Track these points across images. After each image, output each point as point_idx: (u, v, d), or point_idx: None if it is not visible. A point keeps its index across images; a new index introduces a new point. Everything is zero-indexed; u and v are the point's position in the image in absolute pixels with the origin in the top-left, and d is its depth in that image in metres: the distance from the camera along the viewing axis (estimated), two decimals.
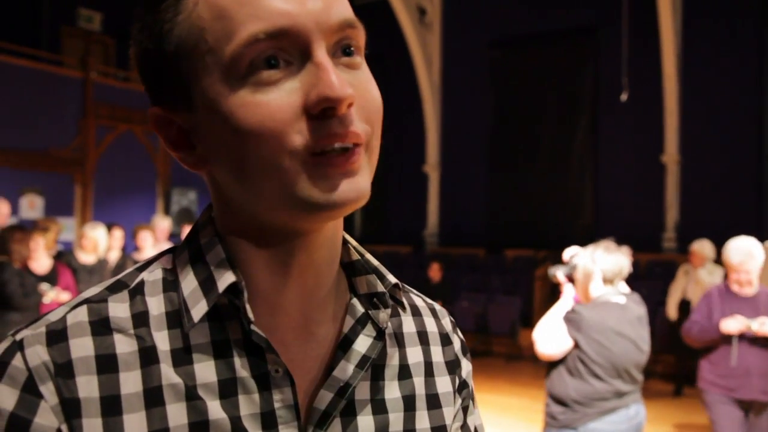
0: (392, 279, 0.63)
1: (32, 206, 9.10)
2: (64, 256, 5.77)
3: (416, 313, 0.71)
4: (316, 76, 0.51)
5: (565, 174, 10.80)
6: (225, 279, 0.55)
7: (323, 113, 0.51)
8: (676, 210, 9.74)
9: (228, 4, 0.51)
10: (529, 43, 11.19)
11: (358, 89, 0.54)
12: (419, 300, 0.73)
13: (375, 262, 0.64)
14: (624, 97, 9.12)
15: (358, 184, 0.53)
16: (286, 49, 0.52)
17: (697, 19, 9.44)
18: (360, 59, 0.56)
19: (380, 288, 0.62)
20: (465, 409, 0.72)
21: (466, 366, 0.74)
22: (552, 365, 2.81)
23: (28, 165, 8.98)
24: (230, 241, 0.59)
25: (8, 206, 5.90)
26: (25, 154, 8.96)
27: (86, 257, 5.76)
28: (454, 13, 11.71)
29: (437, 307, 0.75)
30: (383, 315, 0.62)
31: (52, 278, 4.86)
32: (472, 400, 0.75)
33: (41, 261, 4.88)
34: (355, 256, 0.65)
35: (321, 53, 0.52)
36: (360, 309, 0.62)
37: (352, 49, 0.55)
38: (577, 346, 2.69)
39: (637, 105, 9.65)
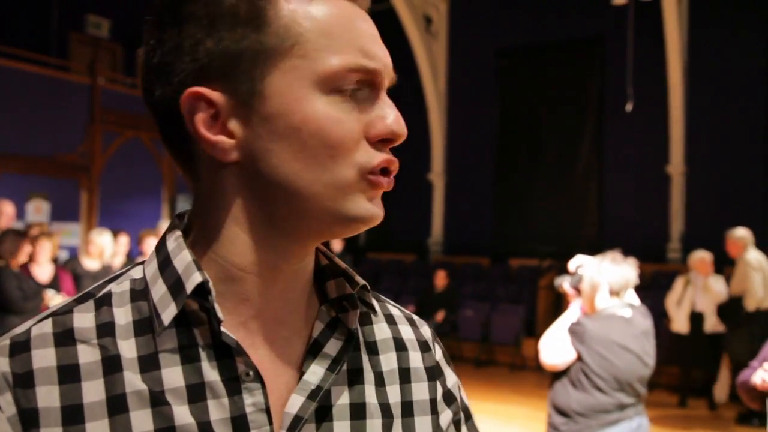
0: (360, 281, 0.65)
1: (38, 211, 9.14)
2: (68, 262, 5.79)
3: (391, 321, 0.71)
4: (383, 111, 0.60)
5: (571, 183, 10.78)
6: (193, 280, 0.56)
7: (380, 142, 0.59)
8: (681, 220, 9.71)
9: (335, 27, 0.58)
10: (535, 52, 11.20)
11: None
12: (395, 310, 0.74)
13: (343, 265, 0.66)
14: (629, 107, 9.12)
15: (382, 208, 0.61)
16: (365, 83, 0.59)
17: (703, 30, 9.44)
18: None
19: (349, 290, 0.64)
20: (457, 423, 0.72)
21: (451, 376, 0.74)
22: (556, 376, 2.80)
23: (35, 170, 9.02)
24: (232, 243, 0.59)
25: (14, 208, 5.92)
26: (31, 159, 9.00)
27: (91, 263, 5.78)
28: (461, 22, 11.74)
29: (415, 317, 0.75)
30: (352, 316, 0.63)
31: (55, 285, 4.88)
32: (465, 412, 0.74)
33: (44, 267, 4.89)
34: (324, 261, 0.67)
35: (385, 93, 0.61)
36: (330, 314, 0.64)
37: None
38: (580, 358, 2.68)
39: (643, 115, 9.64)
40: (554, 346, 2.74)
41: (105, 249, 5.85)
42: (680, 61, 9.45)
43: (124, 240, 6.37)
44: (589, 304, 2.86)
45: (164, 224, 7.11)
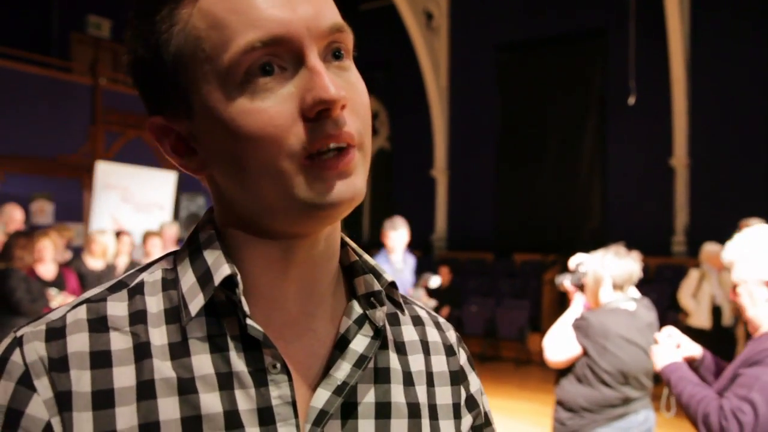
0: (388, 277, 0.64)
1: (42, 212, 9.15)
2: (72, 262, 5.79)
3: (418, 323, 0.71)
4: (311, 81, 0.53)
5: (574, 177, 10.76)
6: (221, 272, 0.56)
7: (318, 115, 0.53)
8: (686, 213, 9.69)
9: (222, 13, 0.53)
10: (536, 46, 11.17)
11: (349, 91, 0.56)
12: (422, 312, 0.73)
13: (372, 261, 0.65)
14: (632, 100, 9.09)
15: (353, 184, 0.55)
16: (280, 55, 0.53)
17: (705, 22, 9.40)
18: (349, 62, 0.58)
19: (377, 287, 0.63)
20: (476, 429, 0.72)
21: (475, 382, 0.73)
22: (561, 372, 2.79)
23: (38, 171, 9.03)
24: (230, 237, 0.60)
25: (22, 212, 5.93)
26: (34, 160, 9.01)
27: (95, 263, 5.79)
28: (461, 17, 11.71)
29: (441, 320, 0.75)
30: (379, 313, 0.62)
31: (59, 283, 4.88)
32: (485, 418, 0.73)
33: (48, 266, 4.89)
34: (354, 258, 0.66)
35: (314, 58, 0.54)
36: (358, 310, 0.63)
37: (342, 52, 0.57)
38: (585, 353, 2.67)
39: (646, 108, 9.61)
40: (558, 343, 2.73)
41: (108, 248, 5.86)
42: (683, 53, 9.41)
43: (127, 240, 6.38)
44: (593, 298, 2.84)
45: (167, 224, 7.11)
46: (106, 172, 8.47)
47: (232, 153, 0.54)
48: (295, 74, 0.54)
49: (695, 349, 2.18)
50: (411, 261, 5.63)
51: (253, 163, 0.54)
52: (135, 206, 8.53)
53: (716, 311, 6.70)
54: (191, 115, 0.56)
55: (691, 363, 2.19)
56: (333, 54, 0.56)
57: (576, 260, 2.95)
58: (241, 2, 0.53)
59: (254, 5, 0.53)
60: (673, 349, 2.15)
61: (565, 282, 2.95)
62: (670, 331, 2.18)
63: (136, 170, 9.02)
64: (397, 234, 5.44)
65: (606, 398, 2.63)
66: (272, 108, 0.53)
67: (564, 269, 3.13)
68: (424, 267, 11.22)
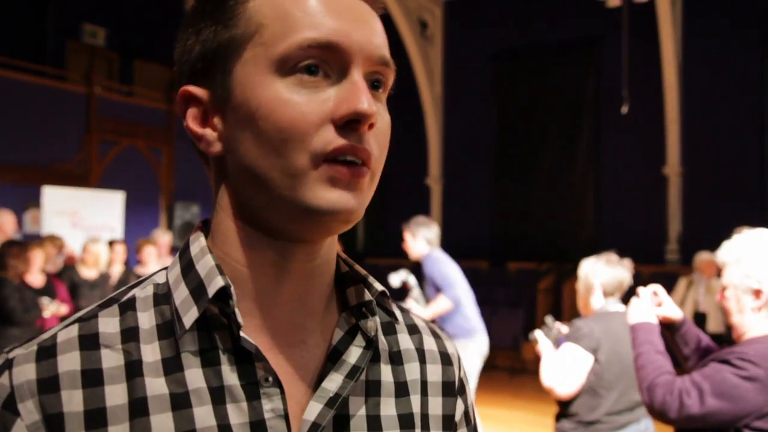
0: (379, 287, 0.64)
1: (36, 221, 9.12)
2: (66, 272, 5.78)
3: (414, 331, 0.71)
4: (349, 92, 0.56)
5: (568, 186, 10.80)
6: (215, 284, 0.57)
7: (346, 125, 0.56)
8: (679, 222, 9.72)
9: (290, 8, 0.57)
10: (530, 55, 11.23)
11: (377, 120, 0.59)
12: (419, 321, 0.73)
13: (362, 271, 0.65)
14: (624, 109, 9.14)
15: (356, 200, 0.57)
16: (329, 62, 0.56)
17: (697, 30, 9.47)
18: (383, 96, 0.62)
19: (368, 297, 0.63)
20: None
21: (470, 396, 0.74)
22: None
23: (32, 180, 9.00)
24: (225, 235, 0.61)
25: (14, 218, 5.91)
26: (28, 168, 8.99)
27: (88, 272, 5.77)
28: (456, 26, 11.77)
29: (439, 330, 0.74)
30: (371, 323, 0.63)
31: (48, 292, 4.86)
32: None
33: (35, 275, 4.88)
34: (345, 268, 0.67)
35: (358, 74, 0.57)
36: (350, 321, 0.63)
37: (380, 84, 0.61)
38: (596, 359, 2.63)
39: (639, 117, 9.66)
40: (565, 373, 2.63)
41: (100, 256, 5.85)
42: (675, 61, 9.48)
43: (120, 248, 6.36)
44: (584, 305, 2.86)
45: (159, 233, 7.10)
46: (54, 198, 8.30)
47: (256, 134, 0.56)
48: (336, 84, 0.57)
49: (676, 313, 2.10)
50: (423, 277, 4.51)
51: (273, 149, 0.55)
52: (85, 230, 8.24)
53: (699, 318, 6.77)
54: (228, 89, 0.58)
55: (670, 326, 2.12)
56: (372, 84, 0.60)
57: (560, 325, 2.92)
58: (310, 4, 0.57)
59: (321, 10, 0.56)
60: (652, 307, 2.09)
61: (537, 334, 2.89)
62: (656, 288, 2.11)
63: (84, 193, 8.88)
64: (414, 240, 4.57)
65: (610, 407, 2.61)
66: (306, 105, 0.55)
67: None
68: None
